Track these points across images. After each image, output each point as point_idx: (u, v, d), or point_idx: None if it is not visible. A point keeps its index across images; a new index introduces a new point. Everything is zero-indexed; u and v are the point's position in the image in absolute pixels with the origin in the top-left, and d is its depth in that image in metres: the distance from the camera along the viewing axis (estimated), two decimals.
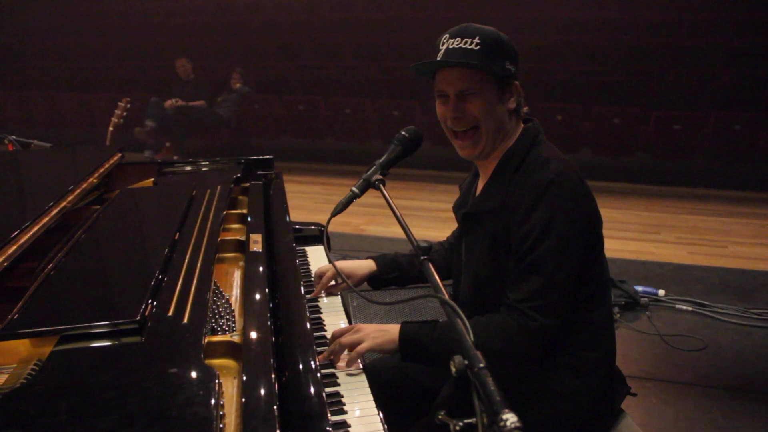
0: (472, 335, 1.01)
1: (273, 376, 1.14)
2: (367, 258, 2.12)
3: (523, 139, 1.71)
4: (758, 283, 4.45)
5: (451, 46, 1.64)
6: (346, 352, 1.63)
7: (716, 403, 3.07)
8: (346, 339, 1.63)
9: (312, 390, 1.28)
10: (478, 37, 1.62)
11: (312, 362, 1.38)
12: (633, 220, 6.14)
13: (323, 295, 2.03)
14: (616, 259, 4.81)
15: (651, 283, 4.26)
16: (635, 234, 5.69)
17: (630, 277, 4.31)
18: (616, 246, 5.21)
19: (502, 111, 1.68)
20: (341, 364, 1.62)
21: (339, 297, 2.03)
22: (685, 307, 4.02)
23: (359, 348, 1.61)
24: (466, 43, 1.62)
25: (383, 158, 1.67)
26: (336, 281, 2.04)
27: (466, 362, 0.95)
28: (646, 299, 4.05)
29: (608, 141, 7.56)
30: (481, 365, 0.93)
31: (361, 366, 1.62)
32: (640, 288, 4.14)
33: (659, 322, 3.82)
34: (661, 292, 4.15)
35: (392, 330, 1.66)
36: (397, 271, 2.09)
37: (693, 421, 2.93)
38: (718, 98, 7.30)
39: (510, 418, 0.82)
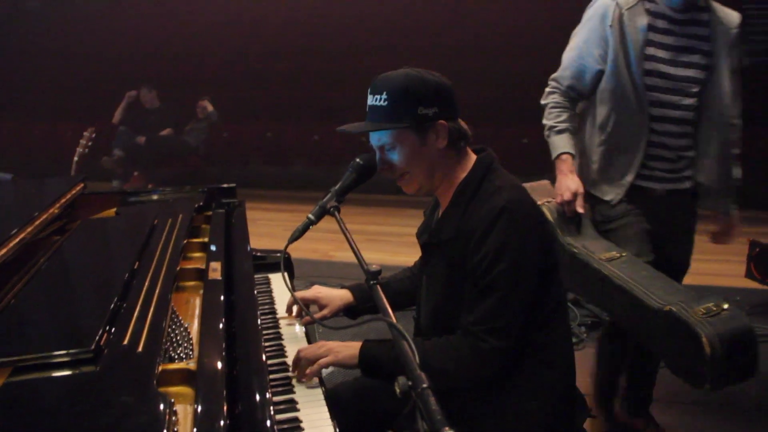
0: (417, 357, 1.05)
1: (224, 404, 1.16)
2: (342, 288, 2.12)
3: (476, 170, 1.75)
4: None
5: (369, 103, 1.72)
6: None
7: (679, 418, 3.13)
8: (308, 352, 1.69)
9: (265, 413, 1.30)
10: (385, 92, 1.67)
11: (266, 388, 1.40)
12: None
13: (292, 323, 2.04)
14: None
15: None
16: None
17: None
18: None
19: (429, 152, 1.71)
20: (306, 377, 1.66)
21: (303, 327, 2.04)
22: None
23: (321, 360, 1.67)
24: (376, 99, 1.68)
25: (338, 185, 1.73)
26: (300, 314, 2.06)
27: (409, 383, 0.98)
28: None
29: None
30: (424, 385, 0.97)
31: (318, 379, 1.67)
32: None
33: None
34: None
35: (354, 346, 1.73)
36: (373, 300, 2.09)
37: None
38: None
39: None
